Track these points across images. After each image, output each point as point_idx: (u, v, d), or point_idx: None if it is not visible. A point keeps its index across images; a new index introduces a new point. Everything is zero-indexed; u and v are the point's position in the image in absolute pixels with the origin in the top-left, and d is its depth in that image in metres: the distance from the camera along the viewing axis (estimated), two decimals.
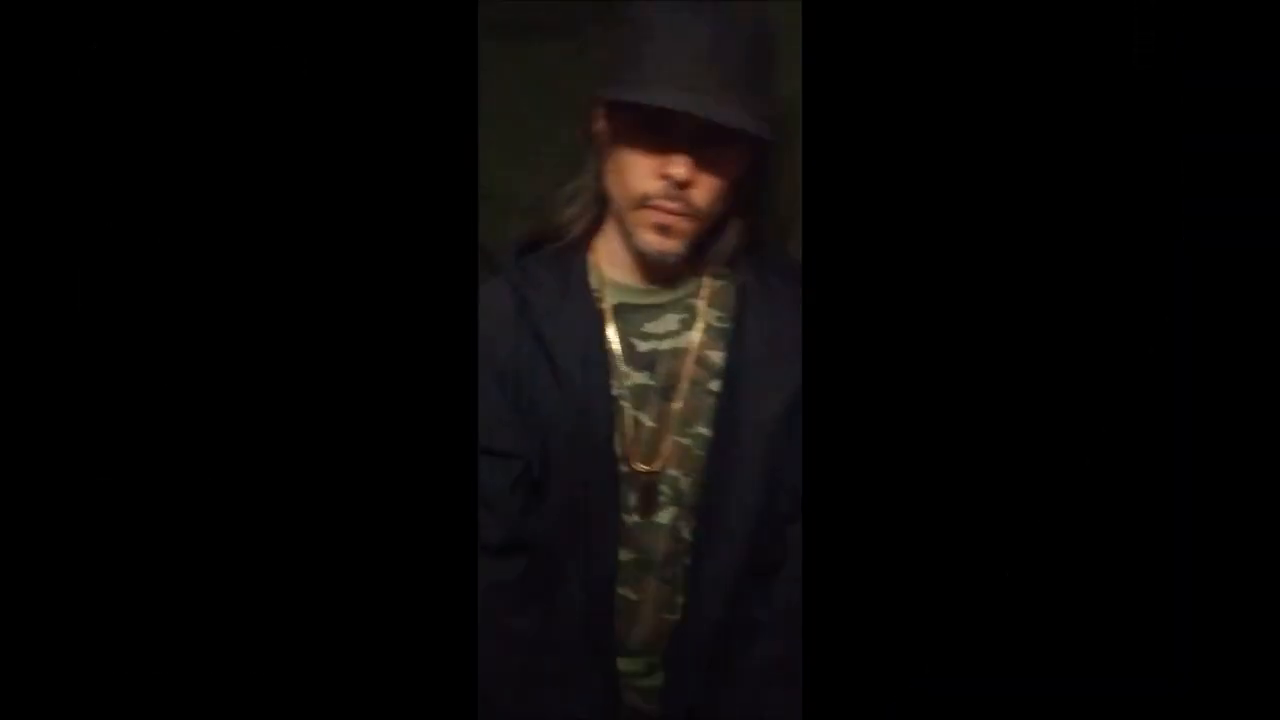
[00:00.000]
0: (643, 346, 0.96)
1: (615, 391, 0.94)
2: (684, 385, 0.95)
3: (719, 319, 0.97)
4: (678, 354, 0.96)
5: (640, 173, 0.90)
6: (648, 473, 0.94)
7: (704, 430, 0.95)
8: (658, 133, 0.88)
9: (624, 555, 0.95)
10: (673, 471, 0.95)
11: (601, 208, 0.97)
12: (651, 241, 0.91)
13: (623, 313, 0.97)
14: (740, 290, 0.98)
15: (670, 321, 0.97)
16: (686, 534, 0.95)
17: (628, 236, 0.94)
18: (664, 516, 0.95)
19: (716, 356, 0.96)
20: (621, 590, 0.95)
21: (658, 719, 0.97)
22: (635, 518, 0.95)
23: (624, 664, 0.96)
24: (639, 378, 0.95)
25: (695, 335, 0.97)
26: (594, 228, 0.99)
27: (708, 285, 0.98)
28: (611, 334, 0.96)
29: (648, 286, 0.97)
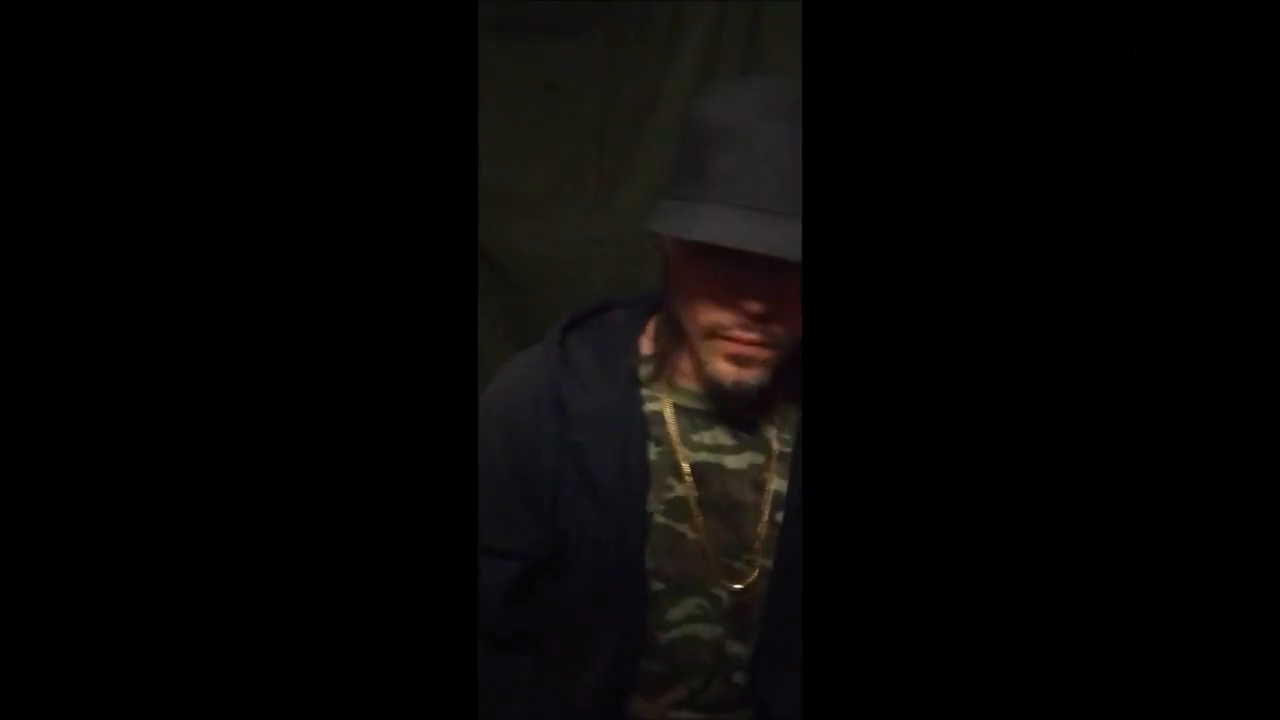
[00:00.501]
0: (692, 457, 0.85)
1: (651, 506, 0.84)
2: (747, 510, 0.86)
3: (784, 441, 0.86)
4: (729, 474, 0.86)
5: (709, 304, 0.79)
6: (737, 592, 0.85)
7: (765, 561, 0.85)
8: (725, 259, 0.76)
9: (654, 667, 0.87)
10: (724, 595, 0.86)
11: (673, 330, 0.85)
12: (726, 372, 0.81)
13: (675, 416, 0.86)
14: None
15: (723, 435, 0.87)
16: (737, 651, 0.87)
17: (698, 363, 0.83)
18: (713, 632, 0.87)
19: (775, 482, 0.86)
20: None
21: None
22: (679, 630, 0.86)
23: None
24: (683, 490, 0.85)
25: (754, 456, 0.86)
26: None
27: (777, 401, 0.86)
28: (658, 438, 0.85)
29: (711, 402, 0.86)
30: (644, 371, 0.87)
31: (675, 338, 0.85)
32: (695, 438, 0.86)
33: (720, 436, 0.86)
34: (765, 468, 0.85)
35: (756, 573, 0.85)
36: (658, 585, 0.85)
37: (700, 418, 0.86)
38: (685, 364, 0.86)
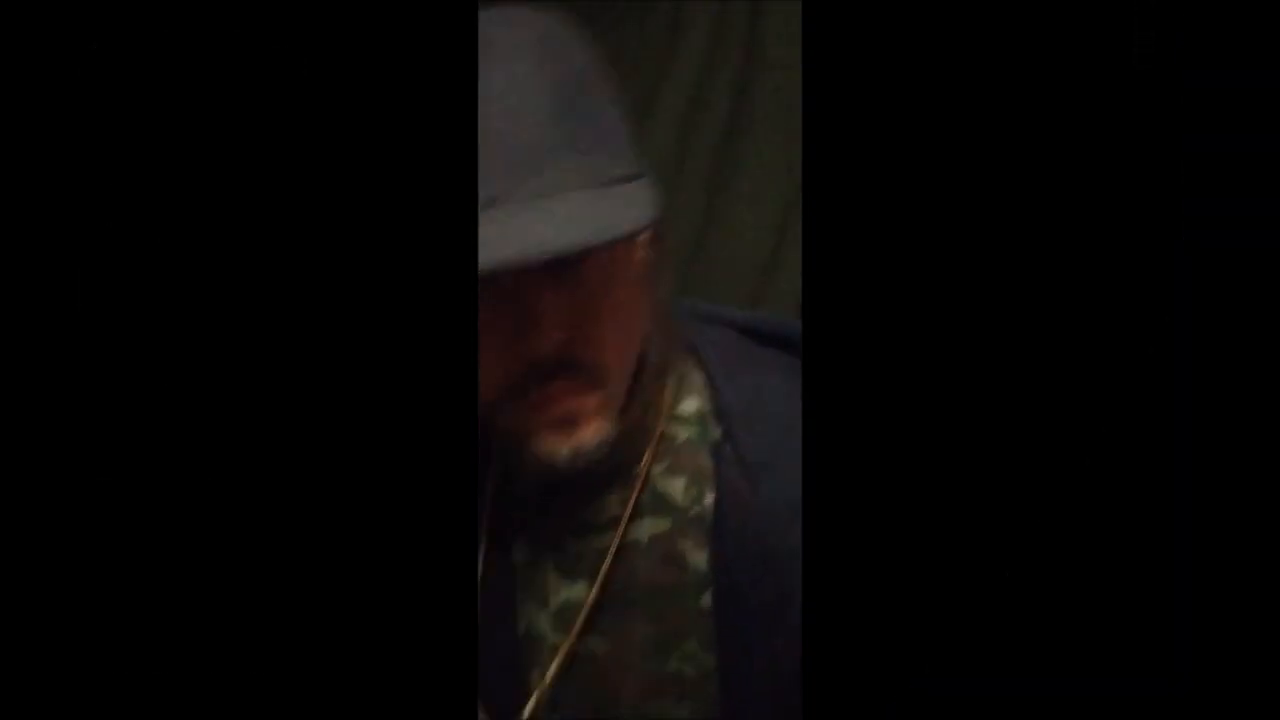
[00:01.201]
0: (577, 546, 0.69)
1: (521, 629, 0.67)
2: (659, 598, 0.68)
3: (692, 494, 0.68)
4: (636, 550, 0.68)
5: (494, 362, 0.66)
6: None
7: (698, 651, 0.67)
8: (500, 297, 0.63)
9: None
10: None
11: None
12: (554, 447, 0.66)
13: (546, 497, 0.70)
14: (715, 445, 0.68)
15: (614, 505, 0.69)
16: None
17: (523, 456, 0.68)
18: None
19: (694, 555, 0.67)
20: None
21: None
22: None
23: None
24: (573, 592, 0.68)
25: (660, 523, 0.68)
26: None
27: (673, 438, 0.69)
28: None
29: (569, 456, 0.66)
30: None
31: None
32: (581, 518, 0.68)
33: (612, 508, 0.68)
34: (677, 534, 0.67)
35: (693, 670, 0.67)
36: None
37: (577, 490, 0.67)
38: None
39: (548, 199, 0.58)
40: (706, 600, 0.65)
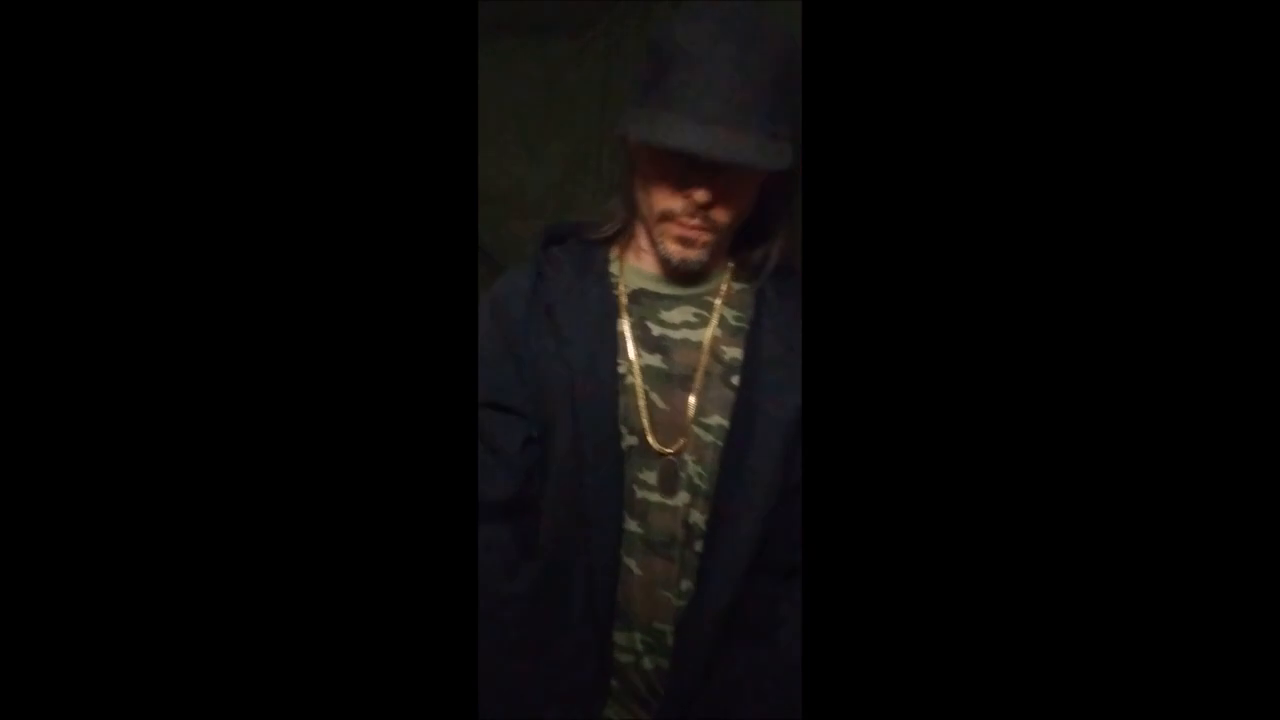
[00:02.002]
0: (656, 331, 0.99)
1: (622, 369, 0.97)
2: (699, 375, 0.98)
3: (736, 318, 1.01)
4: (691, 345, 0.99)
5: (664, 192, 0.95)
6: (666, 454, 0.96)
7: (721, 421, 0.97)
8: (679, 158, 0.91)
9: (631, 527, 0.97)
10: (689, 458, 0.97)
11: (631, 214, 1.02)
12: (674, 251, 0.97)
13: (639, 298, 1.01)
14: (758, 295, 1.02)
15: (685, 313, 1.01)
16: (698, 521, 0.96)
17: (653, 243, 0.99)
18: (678, 500, 0.96)
19: (733, 352, 0.99)
20: (626, 560, 0.96)
21: (655, 699, 0.98)
22: (653, 495, 0.97)
23: (620, 637, 0.98)
24: (651, 359, 0.98)
25: (710, 330, 1.00)
26: (623, 230, 1.03)
27: (726, 286, 1.02)
28: (625, 316, 1.00)
29: (669, 283, 1.02)
30: (614, 266, 1.03)
31: (634, 223, 1.02)
32: (661, 315, 1.01)
33: (683, 315, 1.01)
34: (722, 339, 1.00)
35: (712, 437, 0.97)
36: (630, 440, 0.97)
37: (663, 300, 1.01)
38: (644, 250, 1.02)
39: (735, 126, 0.89)
40: (734, 380, 0.98)
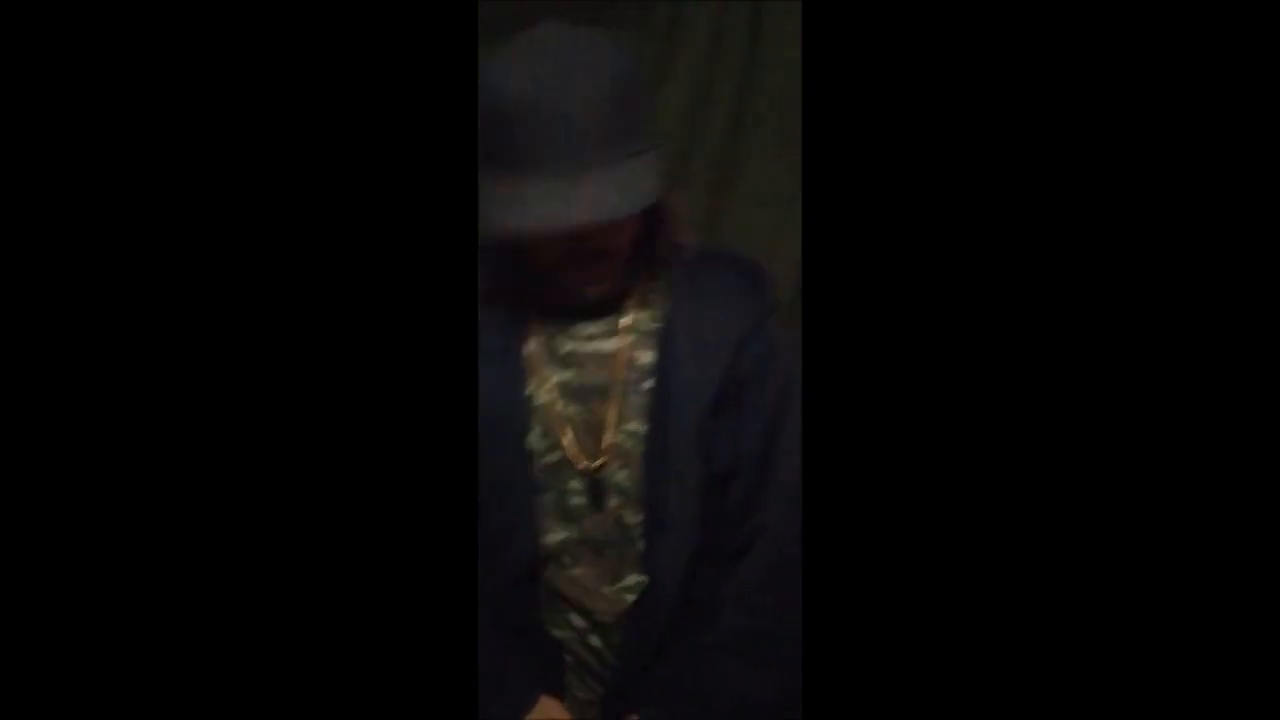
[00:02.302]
0: (566, 347, 0.98)
1: (529, 390, 0.97)
2: (615, 385, 0.97)
3: (649, 320, 0.99)
4: (602, 357, 0.98)
5: (547, 250, 0.90)
6: (593, 469, 0.97)
7: (639, 427, 0.97)
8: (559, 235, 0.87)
9: (567, 535, 0.97)
10: (614, 466, 0.97)
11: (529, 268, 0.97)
12: (586, 294, 0.94)
13: (550, 321, 0.98)
14: (675, 287, 0.99)
15: (594, 325, 0.99)
16: (633, 520, 0.97)
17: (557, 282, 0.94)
18: (610, 503, 0.97)
19: (646, 357, 0.98)
20: (571, 571, 0.98)
21: (607, 672, 1.00)
22: (584, 501, 0.97)
23: (559, 619, 1.00)
24: (564, 375, 0.98)
25: (622, 340, 0.98)
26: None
27: (644, 291, 0.99)
28: (534, 337, 0.97)
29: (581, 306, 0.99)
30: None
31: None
32: (572, 329, 0.98)
33: (591, 328, 0.99)
34: (635, 345, 0.98)
35: (633, 443, 0.97)
36: (551, 457, 0.97)
37: (572, 314, 0.98)
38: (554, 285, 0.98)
39: (607, 165, 0.85)
40: (648, 385, 0.97)
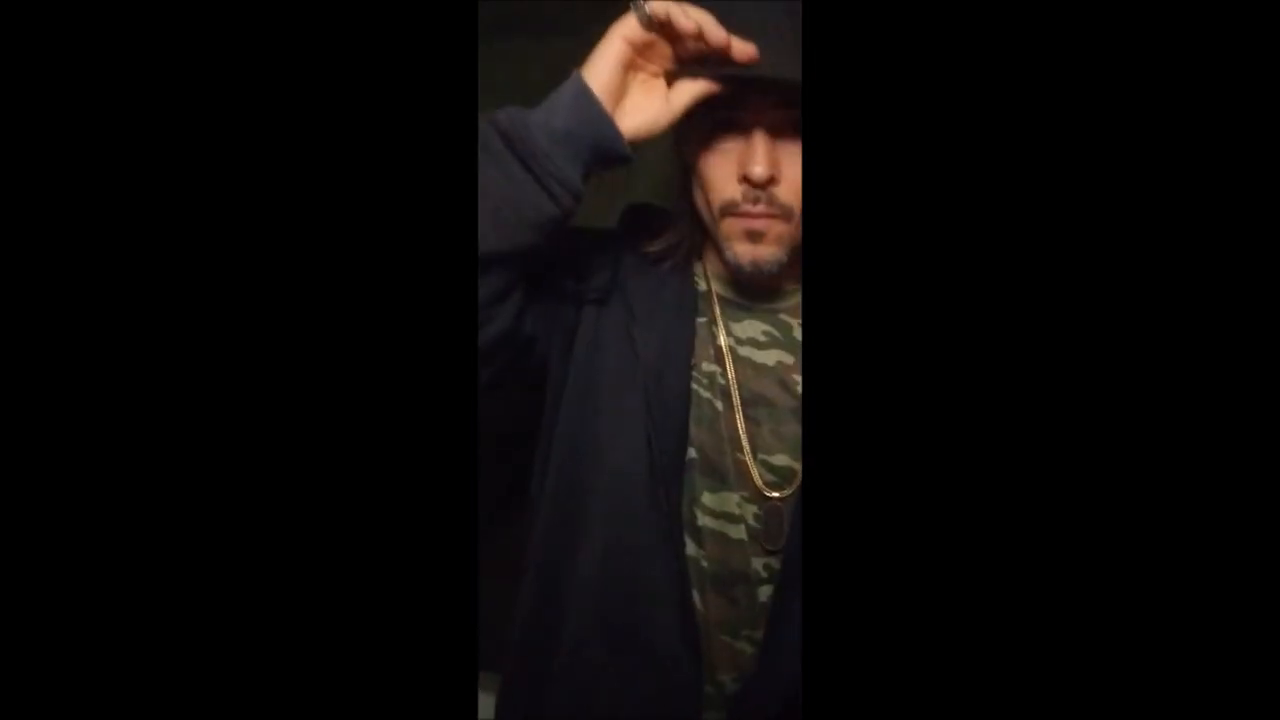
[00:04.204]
0: (721, 340, 0.90)
1: (704, 371, 0.88)
2: (761, 405, 0.88)
3: None
4: (753, 367, 0.89)
5: (720, 179, 0.85)
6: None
7: (789, 463, 0.87)
8: (731, 129, 0.84)
9: (691, 553, 0.87)
10: (743, 496, 0.87)
11: (698, 231, 0.91)
12: (743, 253, 0.86)
13: (712, 299, 0.91)
14: None
15: (754, 329, 0.91)
16: (760, 566, 0.86)
17: (722, 253, 0.88)
18: (739, 532, 0.87)
19: (798, 379, 0.88)
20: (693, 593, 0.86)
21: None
22: (709, 520, 0.87)
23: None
24: (712, 367, 0.89)
25: (782, 355, 0.90)
26: (695, 251, 0.93)
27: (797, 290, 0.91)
28: (700, 314, 0.90)
29: (742, 293, 0.91)
30: (695, 266, 0.92)
31: (698, 230, 0.91)
32: (732, 326, 0.90)
33: (752, 330, 0.90)
34: (793, 368, 0.89)
35: (793, 482, 0.86)
36: (693, 453, 0.87)
37: (736, 309, 0.91)
38: (717, 263, 0.90)
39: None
40: (795, 428, 0.86)
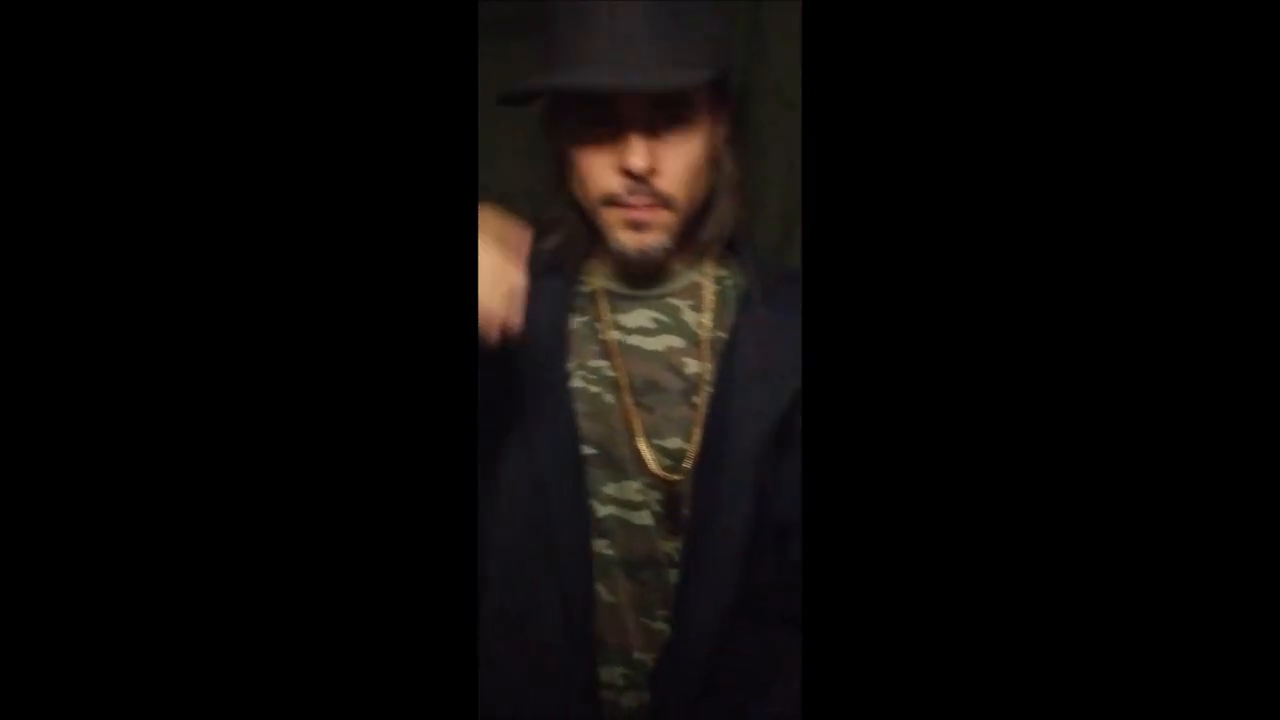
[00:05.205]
0: (607, 335, 0.91)
1: (576, 370, 0.89)
2: (652, 390, 0.90)
3: (707, 325, 0.91)
4: (644, 354, 0.91)
5: (598, 171, 0.86)
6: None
7: (680, 444, 0.89)
8: (607, 123, 0.84)
9: (600, 548, 0.90)
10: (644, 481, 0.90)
11: (579, 215, 0.91)
12: (627, 240, 0.87)
13: (597, 297, 0.92)
14: (742, 303, 0.91)
15: (642, 317, 0.92)
16: (668, 549, 0.89)
17: (606, 241, 0.89)
18: (644, 518, 0.89)
19: (694, 366, 0.90)
20: (596, 585, 0.89)
21: None
22: (617, 510, 0.89)
23: (602, 673, 0.90)
24: (599, 364, 0.91)
25: (673, 340, 0.91)
26: (588, 246, 0.93)
27: (699, 288, 0.92)
28: (579, 315, 0.91)
29: (630, 284, 0.93)
30: (581, 266, 0.93)
31: (580, 224, 0.91)
32: (620, 318, 0.91)
33: (641, 319, 0.91)
34: (683, 351, 0.90)
35: (686, 463, 0.88)
36: (589, 449, 0.89)
37: (624, 300, 0.92)
38: (606, 251, 0.90)
39: (646, 67, 0.81)
40: (694, 400, 0.88)
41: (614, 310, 0.92)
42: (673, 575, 0.90)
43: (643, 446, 0.89)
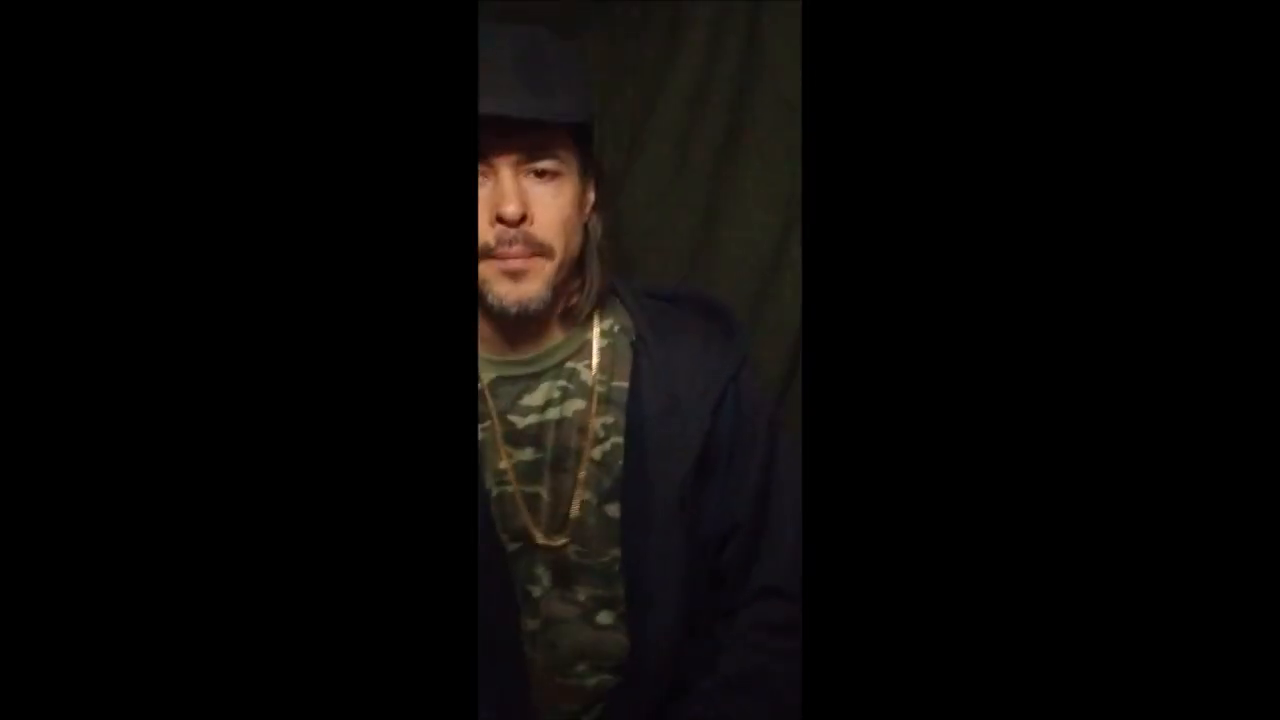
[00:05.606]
0: (521, 423, 0.92)
1: (498, 470, 0.91)
2: (574, 456, 0.92)
3: (604, 380, 0.93)
4: (560, 425, 0.92)
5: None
6: (554, 547, 0.91)
7: (598, 499, 0.92)
8: (480, 175, 0.84)
9: (532, 625, 0.93)
10: (578, 547, 0.92)
11: None
12: (505, 293, 0.86)
13: (496, 389, 0.92)
14: (634, 347, 0.93)
15: (547, 391, 0.93)
16: (606, 620, 0.93)
17: (484, 300, 0.88)
18: (580, 594, 0.92)
19: (603, 419, 0.92)
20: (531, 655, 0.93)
21: None
22: (546, 590, 0.93)
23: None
24: (521, 455, 0.92)
25: (578, 403, 0.93)
26: None
27: (593, 344, 0.94)
28: (485, 419, 0.92)
29: (519, 361, 0.93)
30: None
31: None
32: (523, 402, 0.92)
33: (544, 394, 0.92)
34: (591, 411, 0.92)
35: (595, 520, 0.91)
36: (514, 545, 0.92)
37: (519, 384, 0.92)
38: (486, 335, 0.91)
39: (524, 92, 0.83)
40: (599, 455, 0.91)
41: (520, 395, 0.93)
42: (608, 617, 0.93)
43: (527, 524, 0.92)
